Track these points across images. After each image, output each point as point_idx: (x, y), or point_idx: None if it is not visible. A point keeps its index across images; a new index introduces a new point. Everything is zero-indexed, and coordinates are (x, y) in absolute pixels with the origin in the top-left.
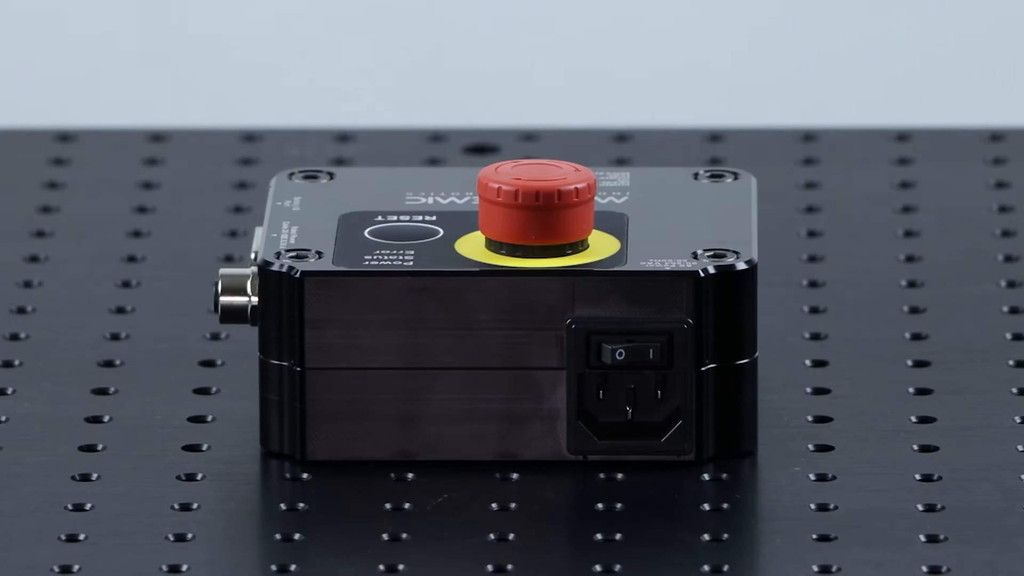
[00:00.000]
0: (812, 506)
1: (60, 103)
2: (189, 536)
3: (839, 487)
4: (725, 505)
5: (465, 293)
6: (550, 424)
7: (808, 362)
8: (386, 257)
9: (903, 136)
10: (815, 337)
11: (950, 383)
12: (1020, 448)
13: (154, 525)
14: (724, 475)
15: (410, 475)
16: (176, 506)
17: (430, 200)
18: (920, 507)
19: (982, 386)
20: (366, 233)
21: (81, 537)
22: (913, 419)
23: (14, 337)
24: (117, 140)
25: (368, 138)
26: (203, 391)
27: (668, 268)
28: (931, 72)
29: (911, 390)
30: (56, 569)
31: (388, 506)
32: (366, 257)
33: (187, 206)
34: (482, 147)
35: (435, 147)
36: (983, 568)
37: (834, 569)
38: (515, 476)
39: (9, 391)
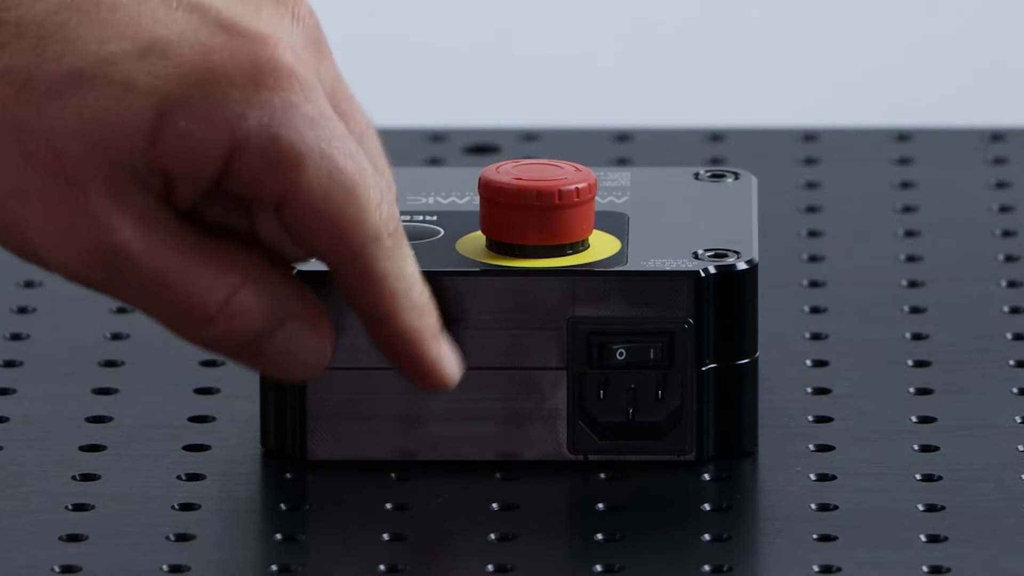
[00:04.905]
0: (812, 506)
1: None
2: (190, 536)
3: (839, 487)
4: (725, 505)
5: (465, 293)
6: (550, 424)
7: (808, 362)
8: None
9: (903, 136)
10: (815, 337)
11: (950, 383)
12: (1020, 448)
13: (155, 525)
14: (724, 475)
15: (410, 475)
16: (177, 506)
17: (430, 200)
18: (921, 507)
19: (982, 386)
20: None
21: (82, 537)
22: (913, 419)
23: (15, 337)
24: None
25: None
26: (204, 391)
27: (669, 268)
28: (931, 72)
29: (911, 390)
30: (57, 569)
31: (388, 506)
32: None
33: None
34: (482, 147)
35: (435, 147)
36: (984, 568)
37: (835, 569)
38: (515, 476)
39: (10, 391)
